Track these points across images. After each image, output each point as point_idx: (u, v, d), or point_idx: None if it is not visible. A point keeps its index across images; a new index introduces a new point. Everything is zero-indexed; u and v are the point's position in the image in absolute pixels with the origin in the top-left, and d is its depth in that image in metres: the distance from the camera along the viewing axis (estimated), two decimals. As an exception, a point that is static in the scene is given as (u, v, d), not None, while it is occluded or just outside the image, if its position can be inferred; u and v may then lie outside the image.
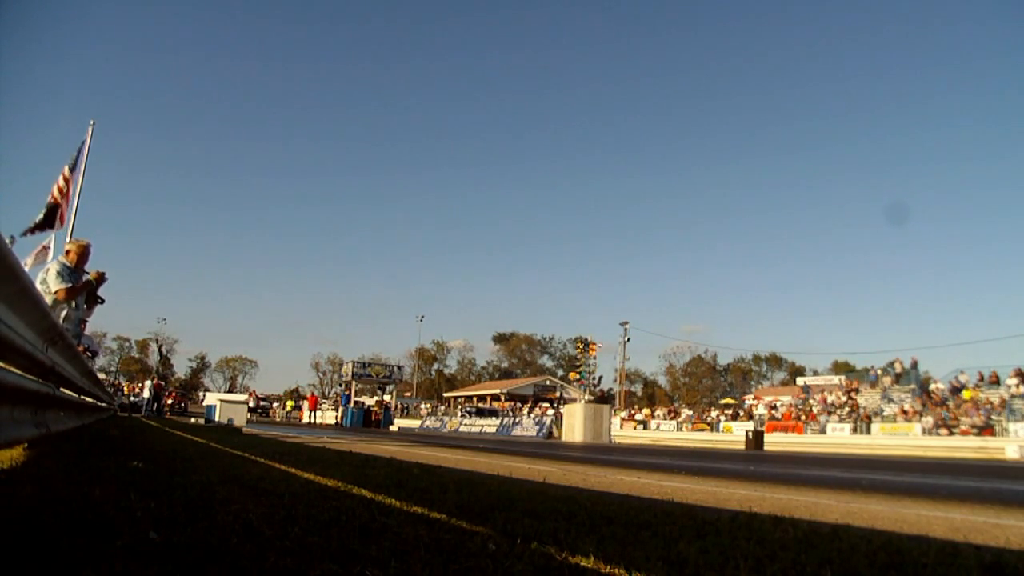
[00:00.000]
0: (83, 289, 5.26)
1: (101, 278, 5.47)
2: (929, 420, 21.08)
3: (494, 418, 32.07)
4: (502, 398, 45.45)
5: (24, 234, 10.26)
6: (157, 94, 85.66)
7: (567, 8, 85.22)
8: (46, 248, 10.45)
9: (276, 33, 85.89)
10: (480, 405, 42.59)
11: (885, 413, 23.21)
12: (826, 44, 77.28)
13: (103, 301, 5.86)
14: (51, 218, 10.78)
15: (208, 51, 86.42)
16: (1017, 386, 20.31)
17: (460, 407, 39.99)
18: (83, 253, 5.32)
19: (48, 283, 4.93)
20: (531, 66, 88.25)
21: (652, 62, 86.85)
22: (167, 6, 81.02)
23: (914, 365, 25.81)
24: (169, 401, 32.14)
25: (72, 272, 5.13)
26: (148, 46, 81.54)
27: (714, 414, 31.37)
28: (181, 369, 73.16)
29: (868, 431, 22.49)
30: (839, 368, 48.07)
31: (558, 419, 23.59)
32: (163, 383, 35.34)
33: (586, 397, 22.98)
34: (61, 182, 11.10)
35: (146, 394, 31.88)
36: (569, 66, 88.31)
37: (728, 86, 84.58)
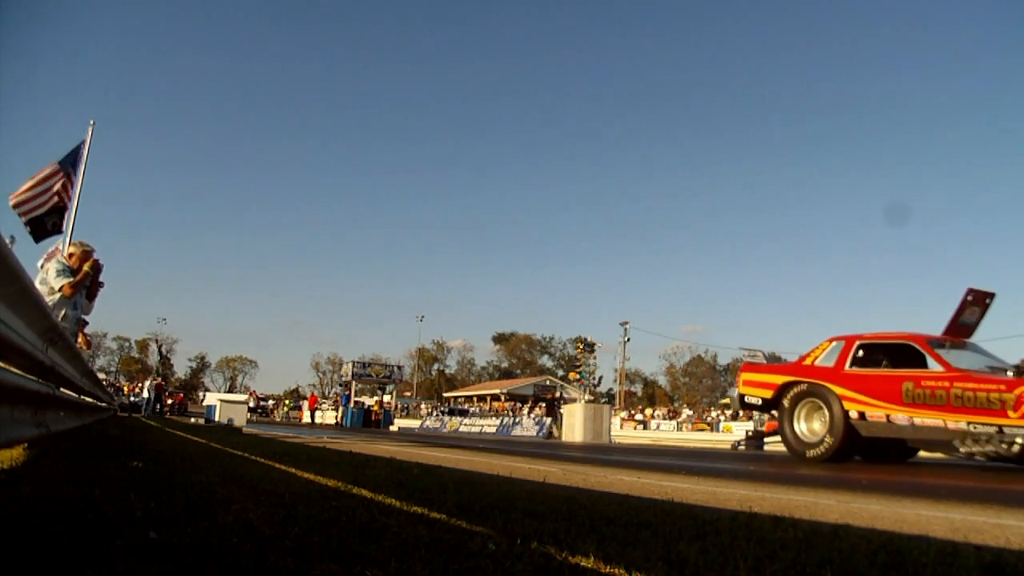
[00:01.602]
0: (85, 280, 5.28)
1: (96, 265, 5.48)
2: (929, 420, 21.05)
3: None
4: (502, 398, 45.45)
5: (39, 240, 10.27)
6: (157, 94, 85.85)
7: (567, 8, 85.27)
8: (57, 251, 10.45)
9: (276, 33, 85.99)
10: (481, 405, 42.61)
11: (885, 413, 23.17)
12: (826, 44, 77.39)
13: (103, 285, 5.87)
14: (60, 222, 10.79)
15: (209, 51, 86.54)
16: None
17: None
18: (83, 257, 5.33)
19: (49, 282, 4.94)
20: (531, 66, 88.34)
21: (652, 62, 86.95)
22: (167, 6, 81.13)
23: (914, 365, 25.74)
24: (169, 401, 32.16)
25: (72, 272, 5.15)
26: (148, 46, 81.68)
27: (714, 414, 31.39)
28: (181, 369, 73.24)
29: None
30: (839, 368, 47.95)
31: (558, 419, 23.60)
32: (164, 383, 35.36)
33: (586, 397, 23.01)
34: (65, 184, 11.08)
35: (146, 394, 31.91)
36: (569, 66, 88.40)
37: (728, 86, 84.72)
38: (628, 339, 37.16)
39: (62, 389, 4.22)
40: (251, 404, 33.55)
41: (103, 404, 10.71)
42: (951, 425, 6.50)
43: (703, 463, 7.26)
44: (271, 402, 45.65)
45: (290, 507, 2.25)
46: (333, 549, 1.59)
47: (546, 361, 75.19)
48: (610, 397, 49.23)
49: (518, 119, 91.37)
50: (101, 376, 27.77)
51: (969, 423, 6.36)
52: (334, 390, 54.96)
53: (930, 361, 6.91)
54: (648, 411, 37.51)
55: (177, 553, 1.47)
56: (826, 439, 7.21)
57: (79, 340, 7.05)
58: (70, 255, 5.31)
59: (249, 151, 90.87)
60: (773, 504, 3.17)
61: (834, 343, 7.82)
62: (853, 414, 7.07)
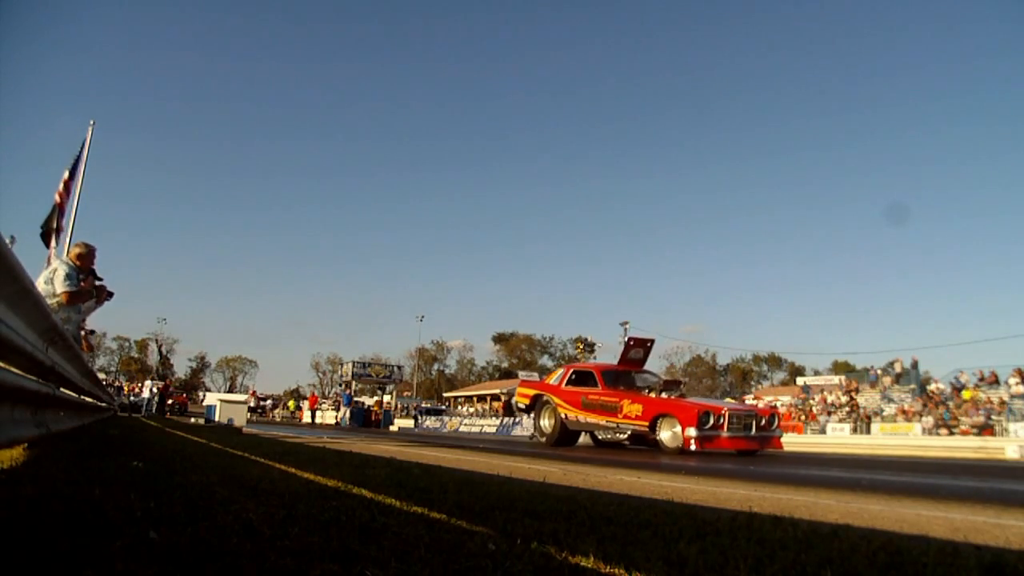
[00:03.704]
0: (87, 296, 5.29)
1: (102, 290, 5.54)
2: (929, 420, 21.09)
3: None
4: (502, 398, 45.41)
5: (49, 244, 10.31)
6: (157, 94, 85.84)
7: (567, 7, 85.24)
8: (52, 250, 10.47)
9: (276, 33, 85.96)
10: (481, 406, 42.56)
11: (885, 413, 23.22)
12: (826, 43, 77.35)
13: (112, 296, 5.91)
14: (59, 221, 10.84)
15: (208, 51, 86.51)
16: (1017, 386, 20.32)
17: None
18: (89, 256, 5.34)
19: (54, 284, 4.93)
20: (531, 66, 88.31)
21: (652, 62, 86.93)
22: (167, 6, 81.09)
23: (914, 365, 25.82)
24: (170, 401, 32.15)
25: (79, 274, 5.15)
26: (148, 46, 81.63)
27: (714, 414, 31.27)
28: (181, 369, 73.19)
29: (868, 431, 22.49)
30: (839, 368, 48.05)
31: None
32: (169, 385, 35.37)
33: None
34: (61, 186, 11.17)
35: (146, 394, 31.88)
36: (569, 66, 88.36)
37: (728, 86, 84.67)
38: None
39: (62, 389, 4.22)
40: (251, 404, 33.52)
41: (103, 404, 10.71)
42: (601, 422, 10.59)
43: (704, 463, 7.26)
44: (269, 402, 45.63)
45: (290, 507, 2.25)
46: (333, 549, 1.59)
47: (546, 361, 75.12)
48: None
49: (518, 119, 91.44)
50: (101, 376, 27.73)
51: (606, 420, 10.47)
52: (334, 390, 54.92)
53: (598, 382, 10.89)
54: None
55: (177, 553, 1.47)
56: (553, 431, 11.51)
57: (82, 344, 7.09)
58: (78, 256, 5.30)
59: (249, 151, 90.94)
60: (773, 504, 3.17)
61: (561, 370, 12.37)
62: (563, 415, 11.27)
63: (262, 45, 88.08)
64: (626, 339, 11.87)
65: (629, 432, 10.11)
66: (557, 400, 11.40)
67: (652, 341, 11.73)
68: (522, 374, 13.89)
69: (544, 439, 11.65)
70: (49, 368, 3.07)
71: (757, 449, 9.53)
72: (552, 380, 12.09)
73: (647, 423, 9.69)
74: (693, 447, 8.82)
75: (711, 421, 9.01)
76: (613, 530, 2.10)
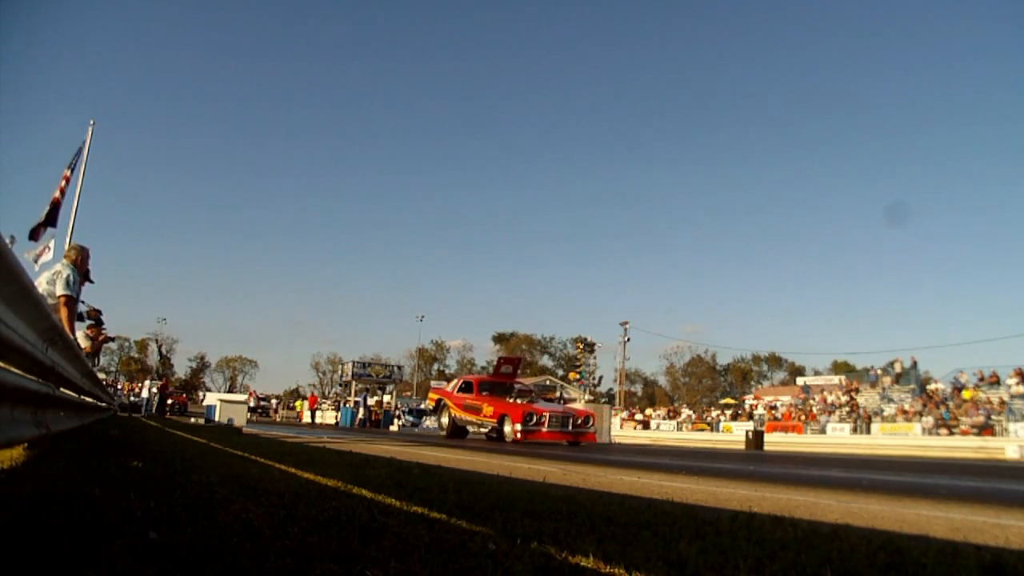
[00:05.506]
0: (74, 314, 5.30)
1: (95, 315, 5.59)
2: (929, 420, 21.11)
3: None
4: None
5: (31, 237, 10.30)
6: (157, 94, 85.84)
7: (568, 7, 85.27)
8: (47, 248, 10.47)
9: (276, 33, 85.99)
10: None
11: (885, 413, 23.24)
12: (826, 44, 77.38)
13: (114, 339, 5.98)
14: (52, 217, 10.83)
15: (208, 51, 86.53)
16: (1017, 386, 20.31)
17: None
18: (85, 257, 5.37)
19: (56, 286, 4.94)
20: (531, 65, 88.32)
21: (652, 62, 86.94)
22: (168, 6, 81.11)
23: (914, 365, 25.84)
24: (169, 401, 32.11)
25: (78, 276, 5.18)
26: (148, 46, 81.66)
27: (714, 414, 31.38)
28: (181, 369, 73.15)
29: (868, 431, 22.52)
30: (839, 368, 48.07)
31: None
32: (166, 383, 35.35)
33: (586, 397, 23.01)
34: (62, 182, 11.17)
35: (146, 394, 31.86)
36: (569, 66, 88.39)
37: (728, 86, 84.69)
38: (628, 339, 37.06)
39: (62, 389, 4.22)
40: (251, 404, 33.48)
41: (103, 404, 10.70)
42: (473, 420, 13.95)
43: (703, 463, 7.26)
44: (273, 401, 45.57)
45: (290, 507, 2.25)
46: (333, 549, 1.59)
47: (546, 361, 75.07)
48: (610, 397, 49.18)
49: (518, 119, 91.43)
50: (101, 376, 27.72)
51: (475, 419, 13.85)
52: (334, 390, 54.85)
53: (474, 390, 14.40)
54: (648, 411, 37.48)
55: (177, 553, 1.47)
56: (448, 427, 14.73)
57: (99, 336, 7.11)
58: (77, 259, 5.31)
59: (249, 151, 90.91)
60: (773, 504, 3.17)
61: (456, 380, 16.46)
62: (454, 415, 14.56)
63: (262, 45, 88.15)
64: (498, 357, 18.11)
65: (490, 427, 13.30)
66: (450, 403, 14.86)
67: (520, 359, 17.50)
68: (434, 383, 17.02)
69: (443, 432, 15.03)
70: (49, 368, 3.07)
71: (573, 440, 12.94)
72: (449, 387, 16.02)
73: (496, 421, 13.18)
74: (519, 437, 12.28)
75: (534, 419, 12.50)
76: (613, 530, 2.09)
